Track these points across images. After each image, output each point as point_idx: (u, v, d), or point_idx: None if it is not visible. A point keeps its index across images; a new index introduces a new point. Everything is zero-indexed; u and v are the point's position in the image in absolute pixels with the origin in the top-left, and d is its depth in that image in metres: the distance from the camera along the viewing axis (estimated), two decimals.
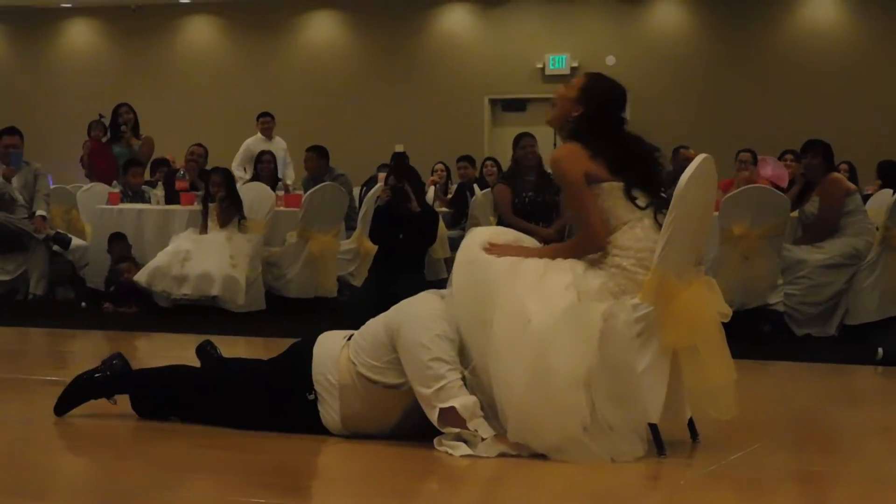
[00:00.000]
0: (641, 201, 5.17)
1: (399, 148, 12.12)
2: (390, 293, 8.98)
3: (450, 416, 5.00)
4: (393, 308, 5.31)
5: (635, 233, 5.12)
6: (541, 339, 4.92)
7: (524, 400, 4.90)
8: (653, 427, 5.03)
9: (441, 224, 12.99)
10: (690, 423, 5.34)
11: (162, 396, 5.70)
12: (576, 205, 5.23)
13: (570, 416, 4.89)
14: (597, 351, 4.93)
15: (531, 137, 10.67)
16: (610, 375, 4.96)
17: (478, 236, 5.28)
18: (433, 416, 5.03)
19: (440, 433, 5.08)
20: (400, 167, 11.12)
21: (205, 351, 6.10)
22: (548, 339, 4.92)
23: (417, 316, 5.15)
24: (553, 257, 5.18)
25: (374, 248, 11.01)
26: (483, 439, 4.98)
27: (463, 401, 4.99)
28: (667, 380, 5.04)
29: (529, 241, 5.38)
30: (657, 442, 5.04)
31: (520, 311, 4.98)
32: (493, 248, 5.17)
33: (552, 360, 4.90)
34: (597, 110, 5.27)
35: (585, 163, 5.18)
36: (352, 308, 10.24)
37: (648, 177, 5.24)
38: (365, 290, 10.37)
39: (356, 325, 5.48)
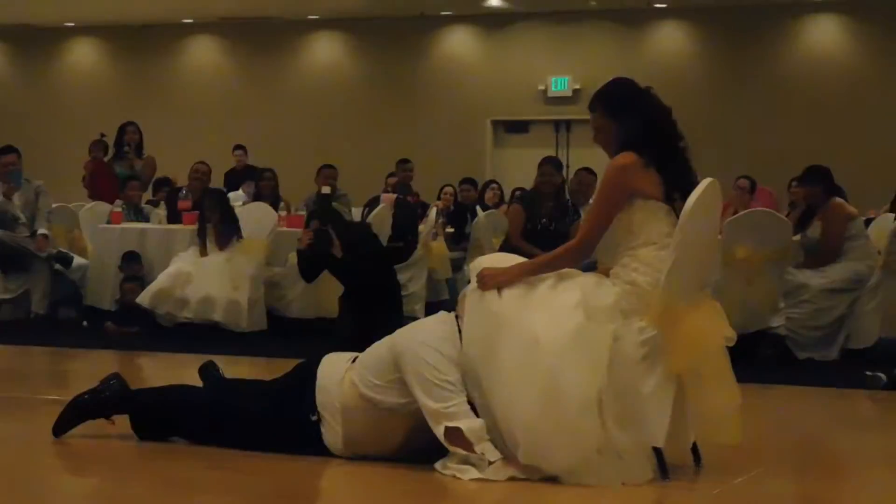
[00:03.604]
0: (679, 206, 5.15)
1: (326, 190, 11.93)
2: (364, 325, 9.00)
3: (456, 436, 4.98)
4: (400, 329, 5.31)
5: (660, 254, 5.10)
6: (551, 361, 4.90)
7: (536, 422, 4.87)
8: (657, 451, 5.01)
9: (443, 245, 13.01)
10: (694, 448, 5.32)
11: (162, 416, 5.67)
12: (595, 214, 5.24)
13: (582, 437, 4.88)
14: (606, 372, 4.92)
15: (552, 165, 10.57)
16: (616, 398, 4.94)
17: (481, 264, 5.28)
18: (439, 432, 5.01)
19: (444, 454, 5.06)
20: (324, 210, 10.78)
21: (208, 372, 6.10)
22: (558, 360, 4.89)
23: (424, 337, 5.15)
24: (538, 269, 5.16)
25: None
26: (491, 462, 4.95)
27: (469, 423, 4.97)
28: (671, 404, 5.02)
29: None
30: (661, 466, 5.01)
31: (527, 332, 4.97)
32: (482, 280, 5.15)
33: (563, 382, 4.88)
34: (632, 108, 5.26)
35: (637, 180, 5.15)
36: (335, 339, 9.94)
37: (685, 175, 5.22)
38: (340, 321, 10.13)
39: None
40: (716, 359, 5.09)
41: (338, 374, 5.34)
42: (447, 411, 4.99)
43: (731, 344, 5.14)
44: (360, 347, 5.50)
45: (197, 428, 5.59)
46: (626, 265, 5.14)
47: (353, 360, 5.38)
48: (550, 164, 10.57)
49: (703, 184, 5.13)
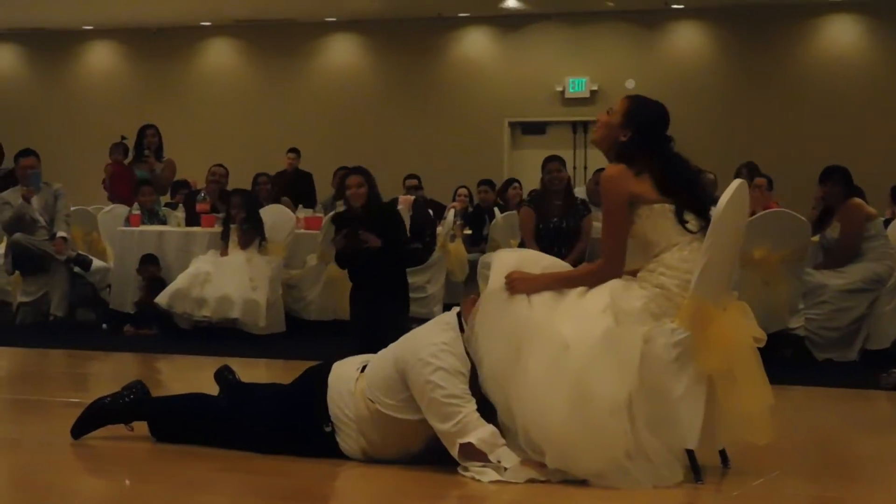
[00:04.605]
0: (692, 225, 5.15)
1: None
2: (370, 319, 9.01)
3: (470, 450, 4.98)
4: (400, 342, 5.29)
5: (683, 254, 5.10)
6: (581, 366, 4.89)
7: (565, 427, 4.86)
8: (690, 453, 5.00)
9: (461, 246, 12.99)
10: (722, 450, 5.31)
11: (179, 425, 5.70)
12: (608, 229, 5.22)
13: (612, 441, 4.87)
14: (637, 375, 4.91)
15: (558, 161, 10.53)
16: (648, 400, 4.93)
17: (507, 263, 5.24)
18: (454, 452, 5.01)
19: None
20: (361, 170, 10.01)
21: (223, 376, 6.09)
22: (588, 365, 4.89)
23: (425, 352, 5.11)
24: (565, 284, 5.15)
25: None
26: (507, 468, 4.93)
27: (480, 434, 4.97)
28: (703, 405, 5.01)
29: (554, 264, 5.35)
30: (694, 468, 5.00)
31: (556, 338, 4.96)
32: (512, 284, 5.13)
33: (593, 386, 4.87)
34: (644, 133, 5.25)
35: (631, 185, 5.15)
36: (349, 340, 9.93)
37: (698, 200, 5.20)
38: (352, 318, 10.09)
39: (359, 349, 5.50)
40: (747, 358, 5.10)
41: (349, 384, 5.33)
42: (456, 428, 4.99)
43: (761, 345, 5.15)
44: (369, 344, 5.47)
45: (214, 437, 5.60)
46: (654, 270, 5.13)
47: (363, 369, 5.36)
48: (557, 161, 10.53)
49: (733, 186, 5.14)
